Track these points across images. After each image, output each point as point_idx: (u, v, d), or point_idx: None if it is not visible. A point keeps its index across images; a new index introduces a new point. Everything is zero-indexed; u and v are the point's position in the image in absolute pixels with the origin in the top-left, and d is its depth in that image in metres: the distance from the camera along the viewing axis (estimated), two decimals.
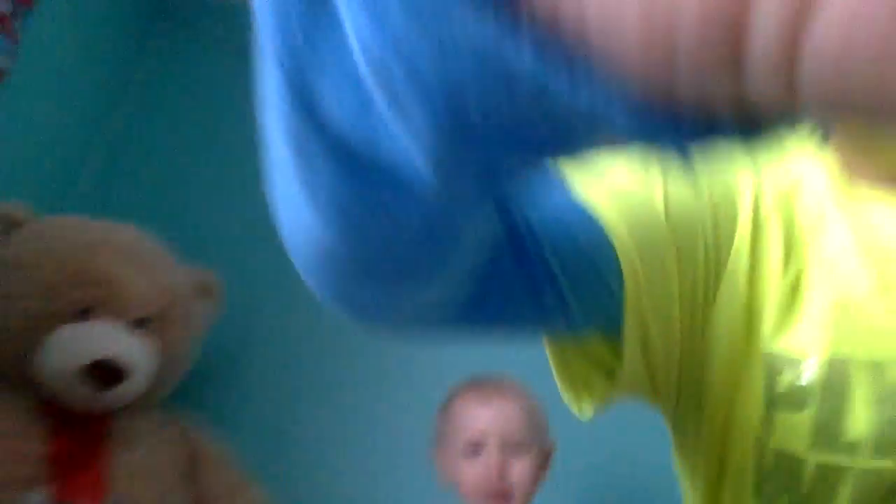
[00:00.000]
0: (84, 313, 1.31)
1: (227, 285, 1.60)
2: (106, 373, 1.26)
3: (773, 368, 0.48)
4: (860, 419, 0.46)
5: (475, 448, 1.08)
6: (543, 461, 1.13)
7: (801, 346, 0.47)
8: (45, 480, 1.21)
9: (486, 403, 1.09)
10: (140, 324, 1.37)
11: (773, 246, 0.47)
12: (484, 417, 1.08)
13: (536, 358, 1.63)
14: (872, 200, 0.46)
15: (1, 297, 1.29)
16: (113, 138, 1.86)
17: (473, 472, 1.07)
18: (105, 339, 1.30)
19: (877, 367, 0.46)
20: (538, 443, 1.11)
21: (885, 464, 0.46)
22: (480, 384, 1.14)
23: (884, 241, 0.45)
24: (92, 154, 1.81)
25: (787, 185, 0.49)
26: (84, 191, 1.74)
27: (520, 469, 1.07)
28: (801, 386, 0.48)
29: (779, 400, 0.48)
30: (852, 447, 0.47)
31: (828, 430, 0.47)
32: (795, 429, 0.49)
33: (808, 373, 0.47)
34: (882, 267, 0.45)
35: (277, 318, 1.76)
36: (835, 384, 0.47)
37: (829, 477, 0.48)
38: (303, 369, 1.73)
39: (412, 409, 1.65)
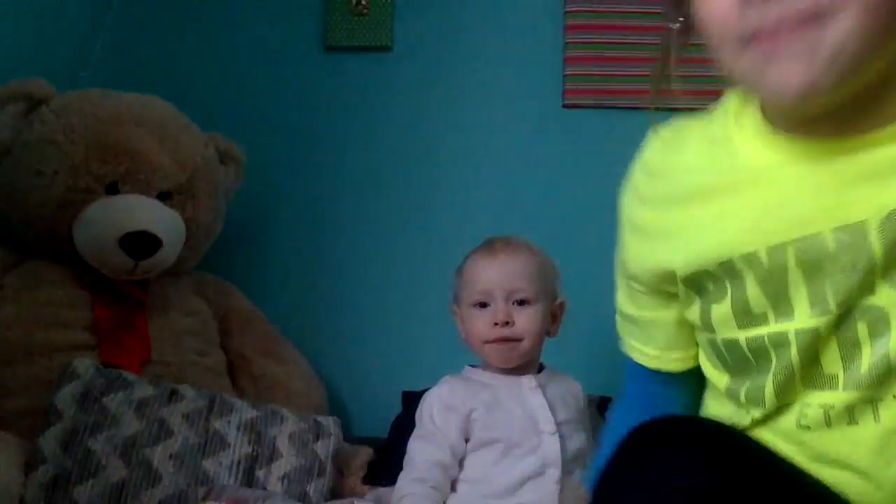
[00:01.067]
0: (113, 186, 1.36)
1: (247, 156, 1.65)
2: (140, 243, 1.34)
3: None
4: (756, 296, 0.62)
5: (484, 300, 1.15)
6: (554, 314, 1.20)
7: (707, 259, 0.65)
8: (93, 346, 1.32)
9: (493, 258, 1.17)
10: (167, 194, 1.42)
11: None
12: (490, 271, 1.16)
13: (552, 220, 1.63)
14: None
15: (34, 175, 1.34)
16: (124, 11, 1.85)
17: (481, 322, 1.14)
18: (136, 211, 1.36)
19: (752, 257, 0.61)
20: (547, 296, 1.18)
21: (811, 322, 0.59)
22: (491, 242, 1.21)
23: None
24: (104, 29, 1.81)
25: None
26: (97, 67, 1.75)
27: (524, 319, 1.14)
28: (717, 282, 0.65)
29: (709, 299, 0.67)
30: (764, 318, 0.62)
31: (742, 311, 0.64)
32: (724, 318, 0.65)
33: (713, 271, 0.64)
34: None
35: (296, 186, 1.82)
36: (730, 275, 0.63)
37: (760, 346, 0.63)
38: (324, 235, 1.81)
39: (429, 272, 1.73)
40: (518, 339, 1.13)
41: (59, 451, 1.12)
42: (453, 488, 1.10)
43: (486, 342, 1.14)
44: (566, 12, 1.86)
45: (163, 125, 1.44)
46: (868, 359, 0.58)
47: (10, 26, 1.50)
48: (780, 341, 0.62)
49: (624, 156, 1.84)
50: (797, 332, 0.61)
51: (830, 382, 0.61)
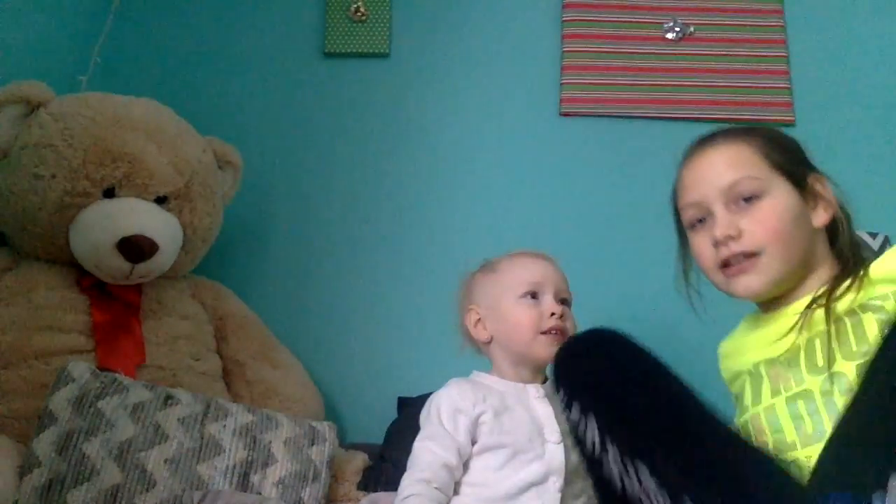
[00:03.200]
0: (110, 190, 1.37)
1: (245, 161, 1.65)
2: (136, 247, 1.34)
3: None
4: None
5: (535, 291, 1.18)
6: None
7: None
8: (89, 349, 1.32)
9: (538, 258, 1.22)
10: (164, 199, 1.43)
11: None
12: (541, 268, 1.20)
13: (549, 227, 1.78)
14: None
15: (31, 179, 1.34)
16: (123, 15, 1.87)
17: (534, 312, 1.17)
18: (133, 215, 1.36)
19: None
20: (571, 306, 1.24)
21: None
22: (520, 251, 1.25)
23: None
24: (102, 33, 1.82)
25: None
26: (95, 71, 1.76)
27: (570, 318, 1.20)
28: None
29: None
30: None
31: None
32: None
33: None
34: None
35: (293, 191, 1.84)
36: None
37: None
38: (321, 240, 1.82)
39: (425, 278, 1.76)
40: (566, 334, 1.16)
41: (54, 455, 1.12)
42: (456, 491, 1.10)
43: (542, 332, 1.15)
44: (563, 21, 1.88)
45: (161, 129, 1.44)
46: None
47: (10, 30, 1.50)
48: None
49: (620, 163, 1.86)
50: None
51: None
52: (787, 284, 1.02)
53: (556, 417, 1.12)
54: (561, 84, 1.85)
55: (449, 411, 1.11)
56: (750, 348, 1.08)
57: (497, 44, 1.89)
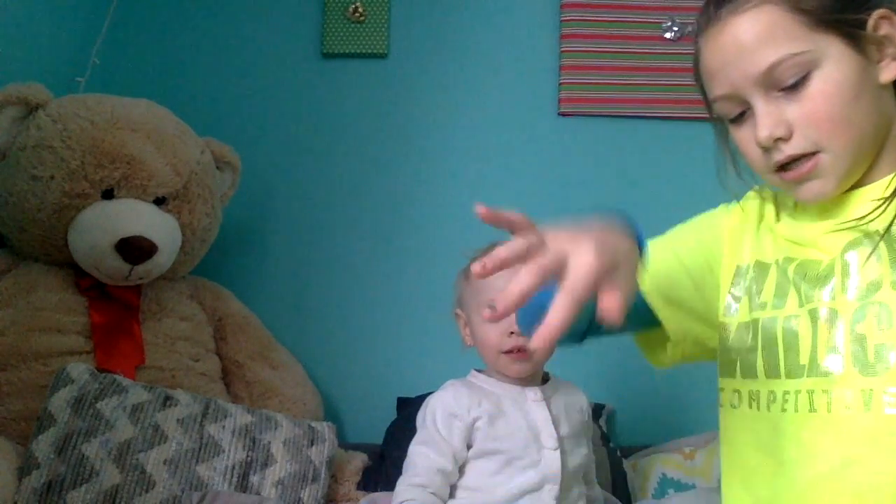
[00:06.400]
0: (109, 192, 1.37)
1: (244, 162, 1.65)
2: (135, 248, 1.34)
3: None
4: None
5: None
6: None
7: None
8: (88, 350, 1.33)
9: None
10: (163, 200, 1.43)
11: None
12: (505, 280, 1.10)
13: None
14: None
15: (30, 180, 1.34)
16: (121, 16, 1.86)
17: (497, 331, 1.14)
18: (131, 216, 1.37)
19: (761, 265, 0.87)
20: None
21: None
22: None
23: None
24: (101, 35, 1.80)
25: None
26: (93, 72, 1.74)
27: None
28: None
29: None
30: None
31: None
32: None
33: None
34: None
35: (292, 192, 1.83)
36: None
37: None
38: (320, 240, 1.82)
39: (424, 279, 1.76)
40: (533, 350, 1.13)
41: (53, 456, 1.12)
42: (452, 494, 1.10)
43: (502, 352, 1.13)
44: (562, 21, 1.88)
45: (159, 130, 1.44)
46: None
47: (8, 32, 1.50)
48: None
49: (619, 163, 1.86)
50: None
51: None
52: (863, 168, 0.82)
53: (554, 422, 1.11)
54: (559, 84, 1.85)
55: (444, 416, 1.10)
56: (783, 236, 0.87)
57: (495, 44, 1.89)
